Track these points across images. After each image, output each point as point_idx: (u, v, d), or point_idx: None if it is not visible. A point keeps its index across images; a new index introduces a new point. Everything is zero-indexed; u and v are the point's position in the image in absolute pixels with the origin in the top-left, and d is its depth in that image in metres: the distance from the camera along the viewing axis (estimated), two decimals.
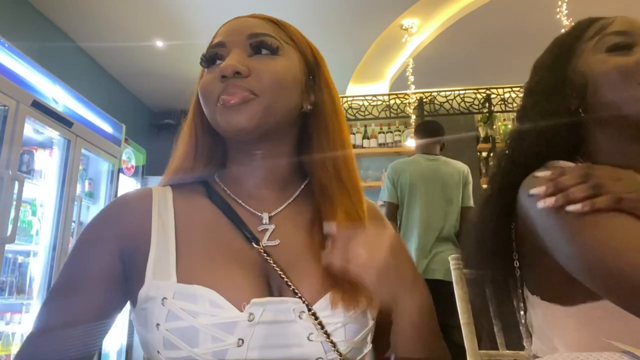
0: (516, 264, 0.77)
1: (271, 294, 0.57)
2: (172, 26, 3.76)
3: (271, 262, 0.59)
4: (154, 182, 4.11)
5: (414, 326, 0.66)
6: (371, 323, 0.61)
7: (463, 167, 2.66)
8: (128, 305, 0.63)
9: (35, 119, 2.43)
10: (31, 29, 3.39)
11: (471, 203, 2.60)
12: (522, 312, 0.81)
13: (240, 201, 0.66)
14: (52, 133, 2.64)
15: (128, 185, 3.63)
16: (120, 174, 3.40)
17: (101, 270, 0.59)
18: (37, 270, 2.56)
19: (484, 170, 4.46)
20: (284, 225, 0.65)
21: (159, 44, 4.01)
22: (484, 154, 4.57)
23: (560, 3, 2.99)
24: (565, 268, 0.62)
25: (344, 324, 0.57)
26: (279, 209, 0.66)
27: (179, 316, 0.53)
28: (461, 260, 1.04)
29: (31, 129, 2.55)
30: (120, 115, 3.59)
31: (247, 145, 0.66)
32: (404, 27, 3.91)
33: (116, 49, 4.02)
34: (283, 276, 0.58)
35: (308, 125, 0.69)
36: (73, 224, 2.74)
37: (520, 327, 0.99)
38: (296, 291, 0.57)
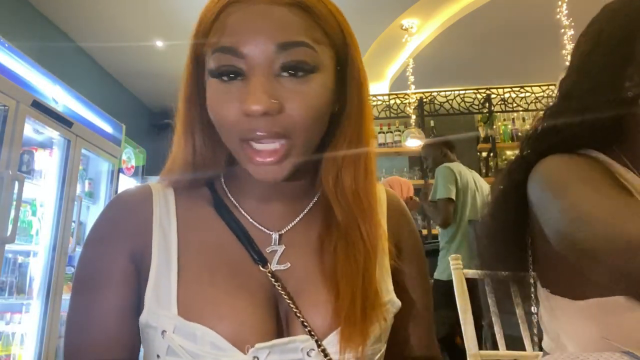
0: (529, 257, 0.75)
1: (279, 323, 0.53)
2: (172, 26, 3.76)
3: (279, 288, 0.53)
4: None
5: (412, 323, 0.65)
6: (384, 347, 0.57)
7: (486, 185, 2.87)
8: None
9: (35, 119, 2.43)
10: (31, 29, 3.39)
11: None
12: (534, 311, 0.79)
13: (247, 216, 0.59)
14: (52, 133, 2.64)
15: (128, 185, 3.63)
16: (120, 174, 3.41)
17: (122, 267, 0.56)
18: (37, 270, 2.56)
19: (484, 170, 4.46)
20: (294, 245, 0.58)
21: (159, 44, 4.01)
22: (484, 154, 4.57)
23: (560, 3, 3.00)
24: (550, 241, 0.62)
25: (356, 357, 0.51)
26: (289, 227, 0.59)
27: (178, 354, 0.50)
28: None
29: (31, 129, 2.55)
30: (120, 115, 3.59)
31: None
32: (404, 27, 3.91)
33: (116, 49, 4.03)
34: (292, 306, 0.52)
35: (330, 125, 0.57)
36: (73, 224, 2.74)
37: (521, 327, 0.99)
38: (305, 324, 0.51)
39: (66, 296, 2.74)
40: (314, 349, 0.50)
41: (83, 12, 3.55)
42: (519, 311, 0.98)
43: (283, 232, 0.59)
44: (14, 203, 2.22)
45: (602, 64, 0.70)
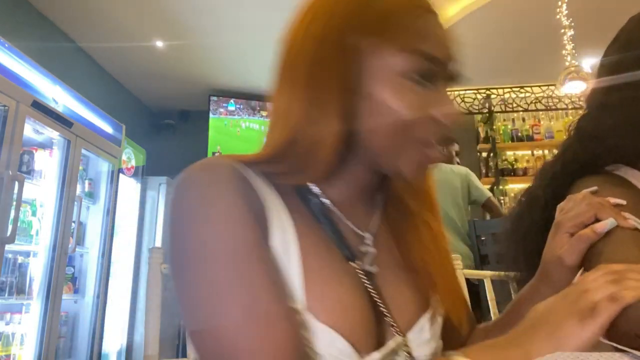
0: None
1: (378, 329, 0.52)
2: (172, 26, 3.76)
3: (371, 288, 0.52)
4: (154, 182, 4.06)
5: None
6: (441, 344, 0.58)
7: (461, 171, 2.75)
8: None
9: (35, 119, 2.43)
10: (31, 29, 3.39)
11: (487, 194, 2.71)
12: None
13: (336, 211, 0.56)
14: (52, 133, 2.65)
15: (128, 185, 3.63)
16: (120, 174, 3.41)
17: (262, 239, 0.48)
18: (37, 271, 2.56)
19: (484, 170, 4.46)
20: (381, 246, 0.58)
21: (159, 44, 4.01)
22: (484, 154, 4.57)
23: (560, 3, 2.99)
24: None
25: (432, 353, 0.54)
26: (374, 225, 0.59)
27: None
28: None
29: (31, 129, 2.55)
30: (120, 115, 3.59)
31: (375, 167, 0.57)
32: None
33: (116, 49, 4.02)
34: (382, 307, 0.52)
35: None
36: (73, 224, 2.74)
37: None
38: (393, 324, 0.52)
39: (66, 296, 2.74)
40: (402, 349, 0.52)
41: (83, 12, 3.55)
42: None
43: (372, 230, 0.58)
44: (14, 203, 2.22)
45: (633, 71, 0.69)
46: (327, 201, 0.56)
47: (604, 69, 0.75)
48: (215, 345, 0.43)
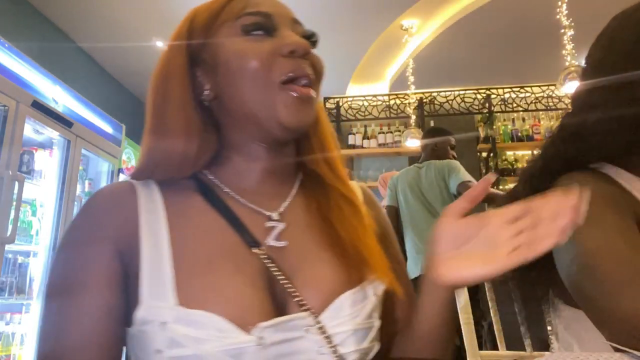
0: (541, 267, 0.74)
1: (277, 305, 0.53)
2: (172, 26, 3.74)
3: (274, 270, 0.54)
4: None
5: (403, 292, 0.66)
6: (377, 323, 0.57)
7: (442, 165, 2.75)
8: None
9: (35, 119, 2.43)
10: (31, 29, 3.39)
11: (460, 179, 2.63)
12: (549, 317, 0.79)
13: (239, 198, 0.59)
14: (52, 133, 2.64)
15: None
16: (120, 174, 3.41)
17: (105, 269, 0.53)
18: (37, 271, 2.56)
19: (484, 171, 4.46)
20: (292, 224, 0.60)
21: (159, 44, 4.01)
22: (484, 154, 4.57)
23: (560, 3, 2.99)
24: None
25: (354, 330, 0.53)
26: (285, 205, 0.61)
27: (182, 343, 0.48)
28: None
29: (31, 129, 2.55)
30: (120, 115, 3.59)
31: (282, 141, 0.60)
32: (404, 28, 3.91)
33: (116, 49, 4.03)
34: (287, 286, 0.53)
35: None
36: None
37: (521, 327, 0.99)
38: (302, 302, 0.53)
39: None
40: (312, 325, 0.52)
41: (83, 12, 3.55)
42: (519, 311, 0.98)
43: (281, 210, 0.60)
44: (14, 203, 2.22)
45: (615, 69, 0.69)
46: (228, 190, 0.60)
47: (588, 68, 0.75)
48: None
